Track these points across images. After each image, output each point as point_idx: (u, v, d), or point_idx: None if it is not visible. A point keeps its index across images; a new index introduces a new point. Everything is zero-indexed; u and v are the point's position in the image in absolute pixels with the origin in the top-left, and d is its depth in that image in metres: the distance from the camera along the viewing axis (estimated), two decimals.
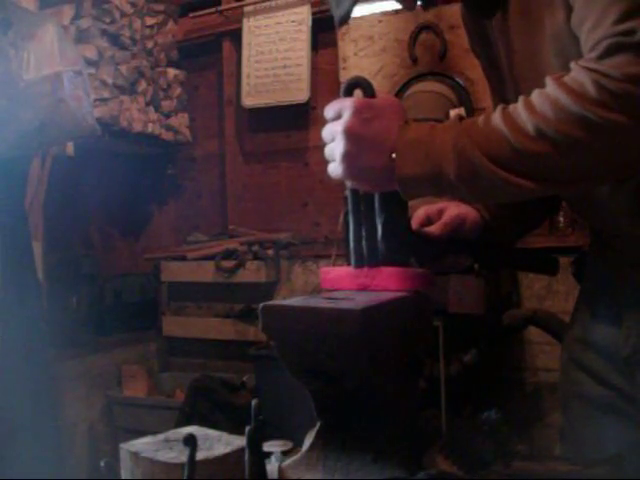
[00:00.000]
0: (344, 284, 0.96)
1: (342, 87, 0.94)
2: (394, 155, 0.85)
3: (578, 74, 0.76)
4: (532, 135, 0.77)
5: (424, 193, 0.88)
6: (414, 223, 1.08)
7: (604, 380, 1.09)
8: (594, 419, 1.10)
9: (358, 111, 0.87)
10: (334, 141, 0.89)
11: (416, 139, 0.85)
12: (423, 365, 1.96)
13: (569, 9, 0.85)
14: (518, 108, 0.80)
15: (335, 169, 0.89)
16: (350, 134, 0.86)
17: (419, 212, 1.11)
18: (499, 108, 0.83)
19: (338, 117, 0.89)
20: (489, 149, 0.80)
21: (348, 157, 0.87)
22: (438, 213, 1.10)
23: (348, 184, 0.93)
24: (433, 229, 1.07)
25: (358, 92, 0.93)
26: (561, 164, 0.78)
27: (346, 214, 0.97)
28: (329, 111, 0.91)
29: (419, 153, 0.84)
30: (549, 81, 0.80)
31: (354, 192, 0.96)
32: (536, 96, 0.79)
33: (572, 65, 0.79)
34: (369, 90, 0.92)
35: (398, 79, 3.16)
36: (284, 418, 2.36)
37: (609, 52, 0.74)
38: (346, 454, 0.85)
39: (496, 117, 0.81)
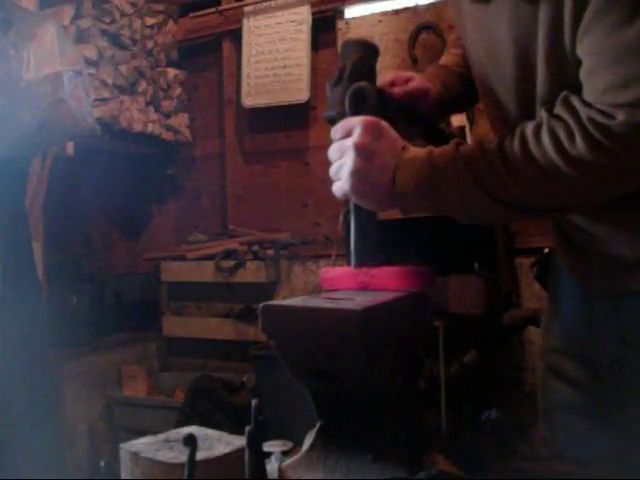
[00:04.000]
0: (344, 284, 0.96)
1: (347, 93, 0.95)
2: (395, 173, 0.88)
3: (575, 130, 0.82)
4: (529, 179, 0.85)
5: (421, 211, 0.93)
6: (380, 83, 1.10)
7: (584, 387, 1.07)
8: (576, 427, 1.08)
9: (368, 128, 0.89)
10: (342, 158, 0.90)
11: (416, 161, 0.88)
12: (423, 365, 1.96)
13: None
14: (516, 152, 0.85)
15: (342, 186, 0.91)
16: (361, 149, 0.88)
17: (387, 75, 1.15)
18: (496, 144, 0.87)
19: (347, 136, 0.91)
20: (489, 187, 0.86)
21: (357, 173, 0.89)
22: (405, 81, 1.14)
23: (353, 201, 0.94)
24: (395, 91, 1.12)
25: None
26: (548, 200, 0.87)
27: (346, 214, 0.97)
28: (337, 130, 0.93)
29: (421, 179, 0.88)
30: (546, 134, 0.84)
31: None
32: (534, 146, 0.84)
33: (563, 113, 0.84)
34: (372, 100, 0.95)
35: None
36: (284, 418, 2.36)
37: (603, 117, 0.81)
38: (346, 454, 0.85)
39: (495, 155, 0.86)
